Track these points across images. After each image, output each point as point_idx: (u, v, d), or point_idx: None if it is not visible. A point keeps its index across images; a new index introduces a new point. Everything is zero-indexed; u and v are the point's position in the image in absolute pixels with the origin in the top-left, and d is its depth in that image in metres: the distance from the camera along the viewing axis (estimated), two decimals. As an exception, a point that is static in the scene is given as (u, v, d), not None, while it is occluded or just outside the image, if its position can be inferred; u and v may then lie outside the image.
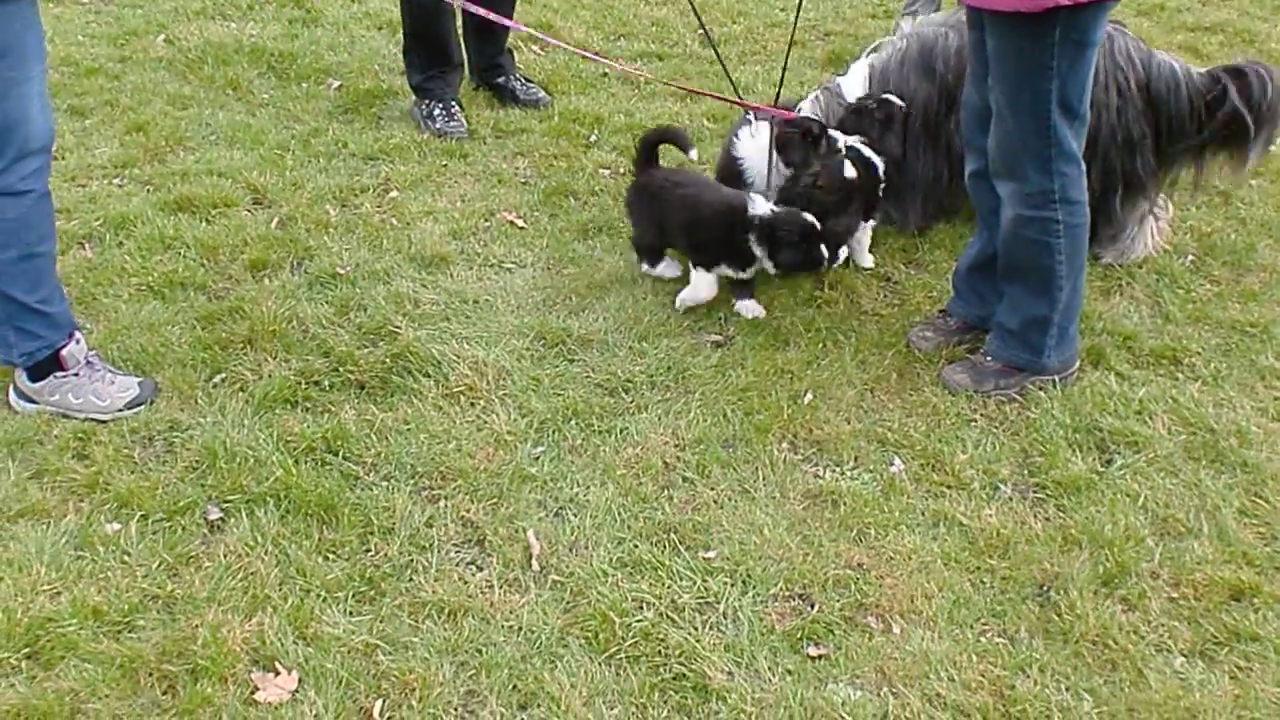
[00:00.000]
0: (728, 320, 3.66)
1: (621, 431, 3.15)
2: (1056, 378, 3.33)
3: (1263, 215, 4.28)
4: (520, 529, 2.82)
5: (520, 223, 4.20)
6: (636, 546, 2.77)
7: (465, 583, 2.68)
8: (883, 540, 2.81)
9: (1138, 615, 2.61)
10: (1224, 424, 3.18)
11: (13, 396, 3.22)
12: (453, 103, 4.99)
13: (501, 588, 2.66)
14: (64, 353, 3.17)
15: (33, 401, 3.20)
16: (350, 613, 2.60)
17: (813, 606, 2.63)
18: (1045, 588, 2.68)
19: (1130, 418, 3.19)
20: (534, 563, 2.73)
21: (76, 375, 3.18)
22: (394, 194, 4.35)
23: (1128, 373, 3.39)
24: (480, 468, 3.00)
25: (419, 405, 3.22)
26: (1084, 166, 3.16)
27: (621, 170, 4.61)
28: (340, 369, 3.35)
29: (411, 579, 2.69)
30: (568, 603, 2.62)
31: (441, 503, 2.91)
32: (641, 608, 2.60)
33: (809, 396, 3.30)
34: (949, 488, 2.98)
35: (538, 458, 3.05)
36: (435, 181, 4.47)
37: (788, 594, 2.67)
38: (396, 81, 5.29)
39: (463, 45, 5.16)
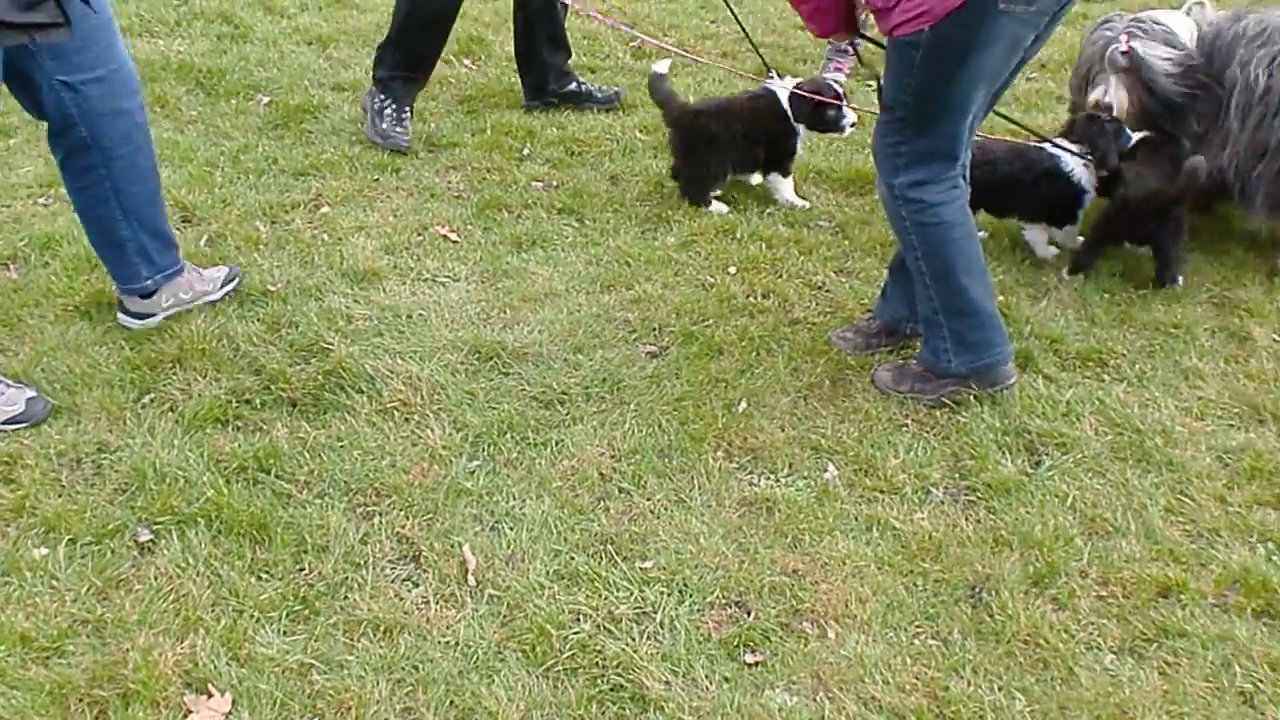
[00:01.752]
0: (662, 331, 3.67)
1: (557, 444, 3.16)
2: (988, 389, 3.31)
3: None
4: (456, 544, 2.81)
5: (453, 236, 4.19)
6: (573, 558, 2.77)
7: (401, 599, 2.66)
8: (817, 546, 2.83)
9: (1068, 614, 2.65)
10: (1149, 424, 3.24)
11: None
12: (406, 109, 4.95)
13: (437, 603, 2.65)
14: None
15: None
16: (284, 632, 2.57)
17: (749, 614, 2.64)
18: (977, 589, 2.72)
19: (1058, 419, 3.25)
20: (470, 577, 2.72)
21: None
22: (325, 210, 4.32)
23: (1055, 375, 3.45)
24: (415, 483, 2.99)
25: (352, 422, 3.20)
26: (954, 169, 3.16)
27: (555, 183, 4.62)
28: (272, 387, 3.32)
29: (346, 597, 2.67)
30: (504, 617, 2.62)
31: (376, 519, 2.89)
32: (579, 619, 2.60)
33: (743, 405, 3.32)
34: (882, 492, 3.01)
35: (473, 472, 3.04)
36: (367, 196, 4.45)
37: (724, 602, 2.68)
38: (327, 97, 5.27)
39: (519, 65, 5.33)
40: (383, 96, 4.91)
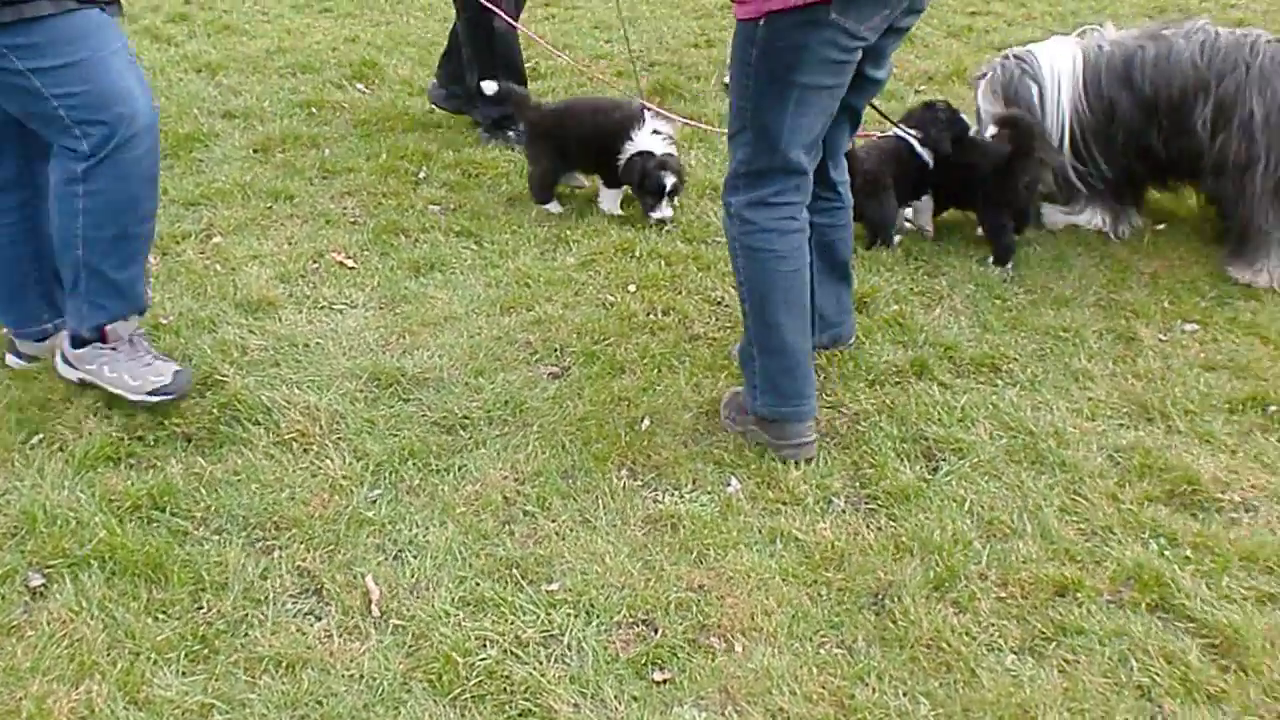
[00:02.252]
0: (564, 351, 3.67)
1: (460, 469, 3.14)
2: (780, 441, 3.17)
3: (1071, 223, 4.48)
4: (358, 575, 2.77)
5: (350, 263, 4.15)
6: (479, 584, 2.75)
7: (303, 634, 2.62)
8: (722, 560, 2.84)
9: (968, 617, 2.69)
10: (1042, 426, 3.31)
11: (59, 362, 3.35)
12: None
13: (341, 636, 2.62)
14: (110, 326, 3.25)
15: (72, 366, 3.31)
16: (183, 673, 2.51)
17: (656, 631, 2.64)
18: (880, 596, 2.75)
19: (954, 425, 3.30)
20: (374, 608, 2.68)
21: (115, 349, 3.26)
22: (217, 239, 4.26)
23: (950, 381, 3.51)
24: (315, 515, 2.95)
25: (249, 455, 3.15)
26: (795, 197, 3.08)
27: (452, 206, 4.60)
28: (165, 422, 3.26)
29: (247, 634, 2.62)
30: (410, 646, 2.59)
31: (276, 553, 2.84)
32: (485, 646, 2.58)
33: (646, 423, 3.33)
34: (784, 504, 3.03)
35: (374, 501, 3.01)
36: (260, 225, 4.39)
37: (631, 621, 2.68)
38: (217, 124, 5.21)
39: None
40: (501, 133, 5.17)
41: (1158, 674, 2.53)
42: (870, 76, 3.14)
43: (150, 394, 3.24)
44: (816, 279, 3.31)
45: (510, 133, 5.14)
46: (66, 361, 3.32)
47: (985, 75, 4.44)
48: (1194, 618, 2.67)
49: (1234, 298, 3.99)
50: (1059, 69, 4.23)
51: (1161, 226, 4.45)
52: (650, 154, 4.38)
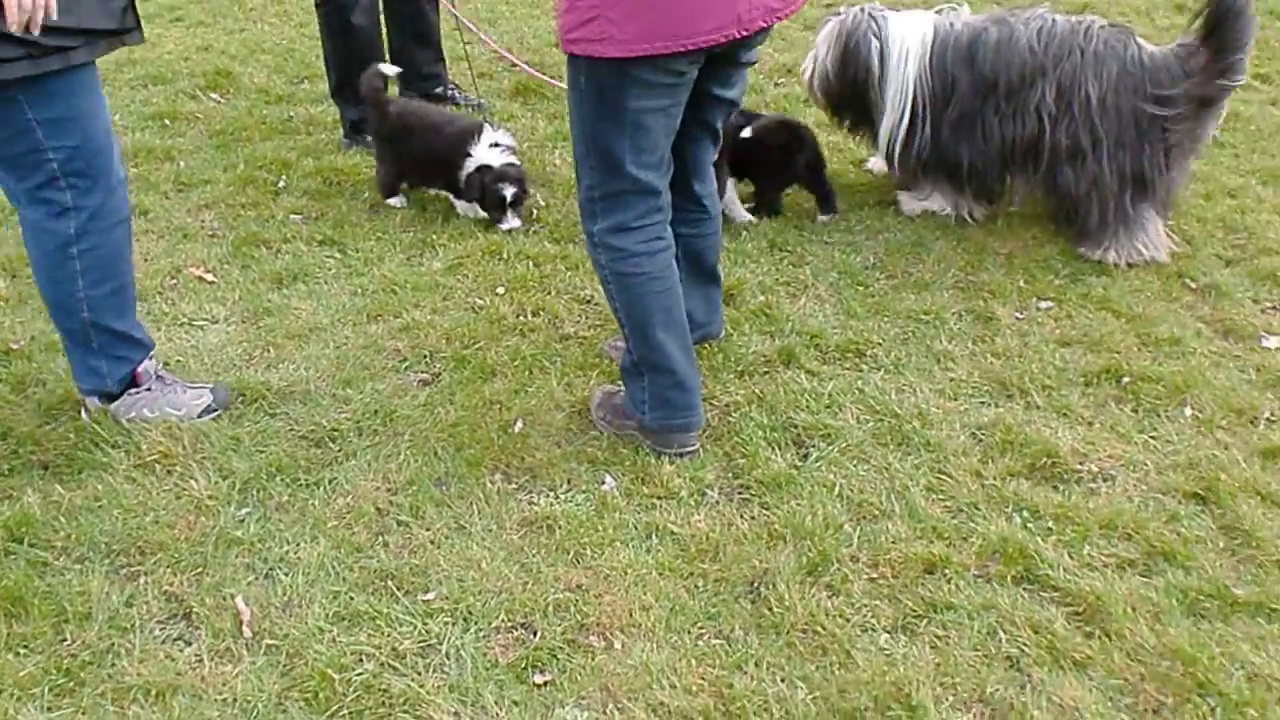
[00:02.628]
0: (434, 357, 3.64)
1: (330, 482, 3.09)
2: (664, 447, 3.20)
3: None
4: (228, 596, 2.71)
5: (210, 277, 4.06)
6: (353, 598, 2.72)
7: (173, 660, 2.56)
8: (599, 559, 2.85)
9: (842, 599, 2.73)
10: (907, 408, 3.38)
11: (86, 418, 3.29)
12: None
13: (212, 660, 2.56)
14: (139, 369, 3.28)
15: (115, 420, 3.28)
16: (49, 708, 2.43)
17: (535, 634, 2.64)
18: (755, 584, 2.78)
19: (822, 411, 3.35)
20: (245, 629, 2.63)
21: (149, 390, 3.29)
22: (70, 259, 4.12)
23: (817, 369, 3.56)
24: (181, 538, 2.88)
25: (110, 480, 3.06)
26: (656, 217, 3.06)
27: (314, 215, 4.53)
28: (20, 450, 3.16)
29: (114, 664, 2.55)
30: (284, 666, 2.54)
31: (142, 579, 2.77)
32: (362, 660, 2.55)
33: (519, 425, 3.31)
34: (659, 499, 3.05)
35: (243, 520, 2.95)
36: (115, 242, 4.26)
37: (510, 625, 2.67)
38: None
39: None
40: (361, 137, 5.10)
41: (1025, 644, 2.61)
42: (719, 96, 3.12)
43: (200, 415, 3.30)
44: (685, 285, 3.29)
45: (369, 136, 5.08)
46: (100, 423, 3.28)
47: (834, 19, 4.50)
48: (1058, 587, 2.76)
49: (1086, 274, 4.12)
50: (907, 37, 4.31)
51: (1015, 208, 4.57)
52: (488, 168, 4.37)
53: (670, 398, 3.17)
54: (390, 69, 4.66)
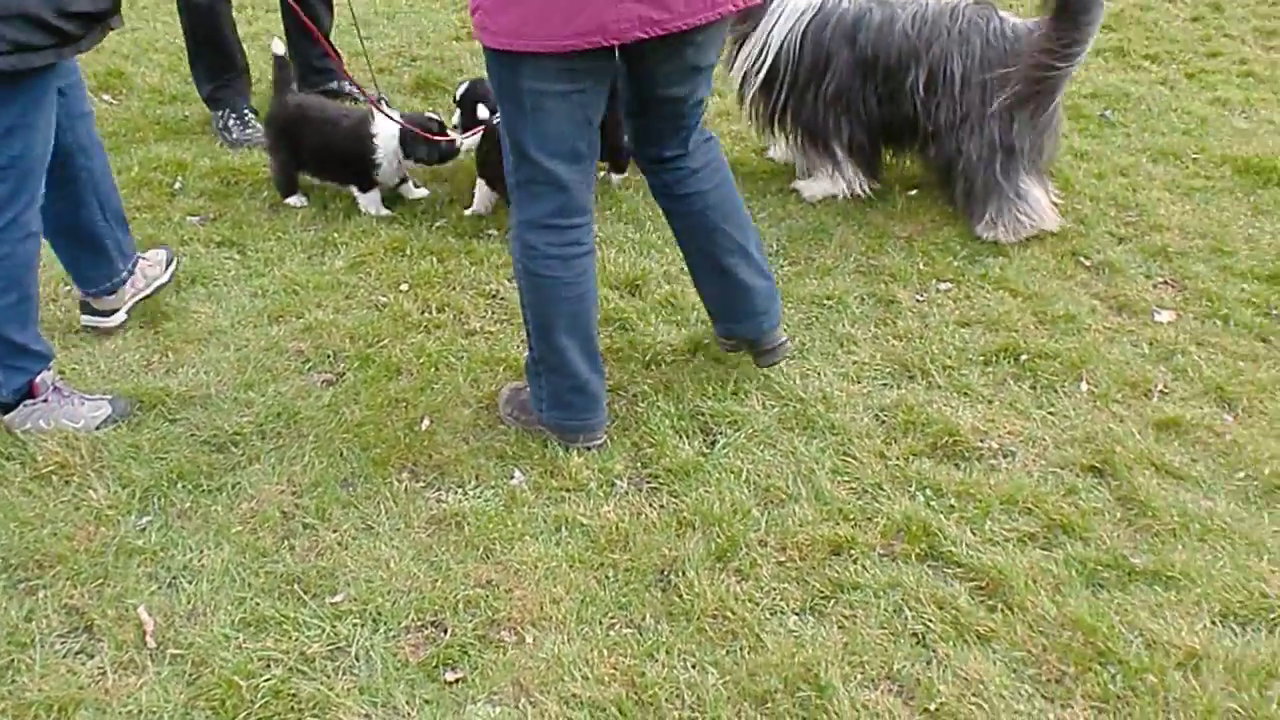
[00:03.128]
0: (337, 357, 3.60)
1: (234, 487, 3.04)
2: (569, 442, 3.19)
3: (830, 194, 4.63)
4: (130, 607, 2.66)
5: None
6: (259, 603, 2.68)
7: (75, 674, 2.50)
8: (509, 553, 2.84)
9: (751, 584, 2.76)
10: (811, 392, 3.41)
11: None
12: (245, 110, 5.14)
13: (115, 672, 2.51)
14: (36, 380, 3.22)
15: (9, 430, 3.22)
16: (-56, 730, 2.38)
17: (446, 632, 2.63)
18: (665, 572, 2.80)
19: (728, 398, 3.38)
20: (149, 640, 2.58)
21: (45, 401, 3.23)
22: (-43, 268, 4.01)
23: (723, 356, 3.57)
24: (80, 549, 2.82)
25: (5, 492, 2.99)
26: (576, 219, 3.02)
27: (212, 215, 4.45)
28: (-92, 467, 3.06)
29: (14, 680, 2.49)
30: (190, 675, 2.50)
31: (40, 593, 2.71)
32: (269, 666, 2.52)
33: (426, 423, 3.29)
34: (569, 491, 3.05)
35: (144, 529, 2.89)
36: None
37: (420, 624, 2.65)
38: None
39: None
40: (220, 112, 5.14)
41: (931, 620, 2.65)
42: (667, 95, 3.02)
43: (99, 426, 3.24)
44: (691, 266, 3.38)
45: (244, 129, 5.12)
46: None
47: None
48: (961, 563, 2.81)
49: (983, 255, 4.19)
50: (786, 3, 4.37)
51: (914, 192, 4.64)
52: (415, 122, 4.41)
53: (569, 400, 3.16)
54: (279, 46, 4.58)
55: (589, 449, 3.20)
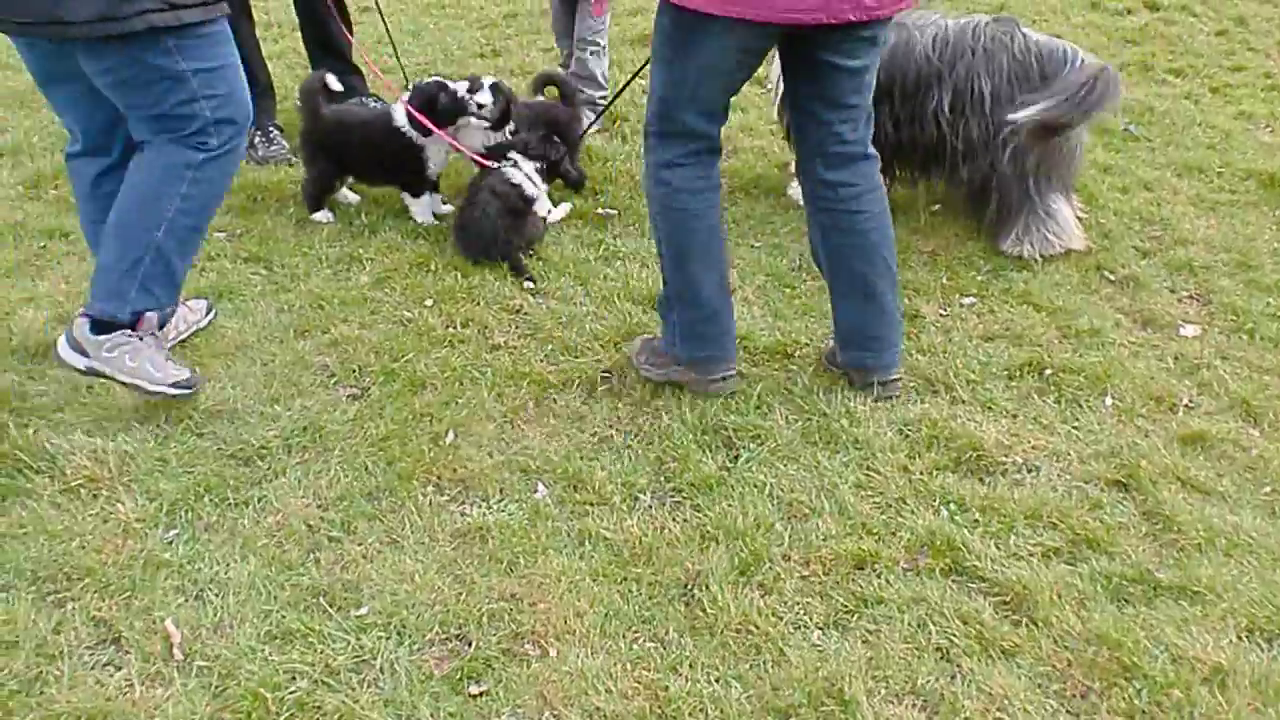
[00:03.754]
0: (363, 371, 3.62)
1: (260, 501, 3.06)
2: (702, 379, 3.43)
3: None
4: (158, 619, 2.68)
5: (133, 298, 4.00)
6: (285, 616, 2.69)
7: (102, 685, 2.52)
8: (533, 567, 2.85)
9: (774, 598, 2.76)
10: (835, 406, 3.41)
11: (63, 346, 3.28)
12: (270, 127, 5.17)
13: (143, 684, 2.53)
14: (146, 315, 3.30)
15: (83, 354, 3.27)
16: (-26, 741, 2.40)
17: (470, 645, 2.64)
18: (689, 586, 2.80)
19: (751, 413, 3.38)
20: (176, 652, 2.60)
21: (141, 339, 3.29)
22: (-12, 284, 4.06)
23: (747, 370, 3.59)
24: (108, 562, 2.84)
25: (34, 505, 3.01)
26: (703, 159, 3.27)
27: (239, 231, 4.48)
28: (-61, 479, 3.10)
29: (42, 692, 2.51)
30: (216, 687, 2.52)
31: (69, 605, 2.73)
32: (295, 678, 2.53)
33: (450, 436, 3.31)
34: (592, 505, 3.06)
35: (171, 542, 2.91)
36: (35, 265, 4.21)
37: (444, 637, 2.66)
38: (-18, 163, 4.96)
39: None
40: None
41: (955, 635, 2.65)
42: (839, 65, 3.15)
43: (173, 386, 3.31)
44: (835, 294, 3.47)
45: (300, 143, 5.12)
46: (75, 349, 3.28)
47: None
48: (985, 577, 2.80)
49: (1007, 270, 4.19)
50: None
51: (937, 207, 4.64)
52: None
53: (702, 331, 3.39)
54: (333, 80, 4.60)
55: (724, 381, 3.43)
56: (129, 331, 3.28)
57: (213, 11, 3.12)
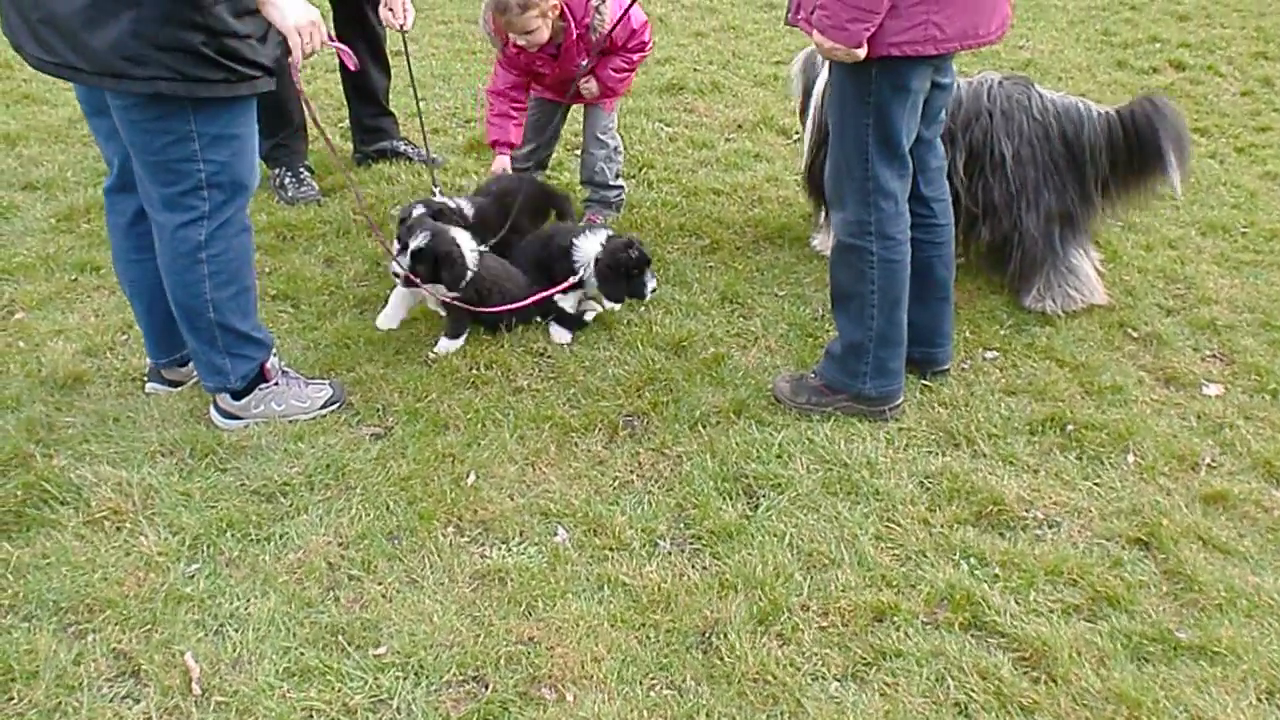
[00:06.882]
0: (386, 411, 3.65)
1: (281, 537, 3.08)
2: (878, 409, 3.60)
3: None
4: (177, 653, 2.69)
5: (162, 333, 4.04)
6: (303, 653, 2.70)
7: (121, 718, 2.53)
8: (551, 611, 2.85)
9: (792, 648, 2.75)
10: (856, 457, 3.42)
11: (216, 415, 3.56)
12: (301, 168, 5.24)
13: (161, 717, 2.54)
14: (267, 365, 3.53)
15: (237, 418, 3.54)
16: (-8, 770, 2.41)
17: (486, 687, 2.64)
18: (707, 634, 2.80)
19: (772, 461, 3.39)
20: (194, 686, 2.61)
21: (276, 384, 3.56)
22: (20, 315, 4.11)
23: (768, 419, 3.60)
24: (130, 594, 2.86)
25: (58, 536, 3.04)
26: (903, 207, 3.45)
27: (267, 269, 4.53)
28: (-34, 508, 3.12)
29: (61, 723, 2.53)
30: (233, 723, 2.53)
31: (90, 637, 2.74)
32: (312, 716, 2.54)
33: (472, 478, 3.33)
34: (612, 550, 3.07)
35: (192, 576, 2.93)
36: (65, 298, 4.25)
37: (461, 679, 2.67)
38: (18, 197, 5.03)
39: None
40: (276, 170, 5.21)
41: (973, 690, 2.64)
42: (938, 83, 3.47)
43: (323, 407, 3.60)
44: (912, 299, 3.63)
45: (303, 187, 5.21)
46: (226, 414, 3.54)
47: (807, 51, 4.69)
48: (1005, 633, 2.79)
49: (1030, 324, 4.20)
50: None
51: (960, 261, 4.64)
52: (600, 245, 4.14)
53: (895, 368, 3.60)
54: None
55: (899, 407, 3.63)
56: (262, 385, 3.53)
57: (236, 89, 3.11)
